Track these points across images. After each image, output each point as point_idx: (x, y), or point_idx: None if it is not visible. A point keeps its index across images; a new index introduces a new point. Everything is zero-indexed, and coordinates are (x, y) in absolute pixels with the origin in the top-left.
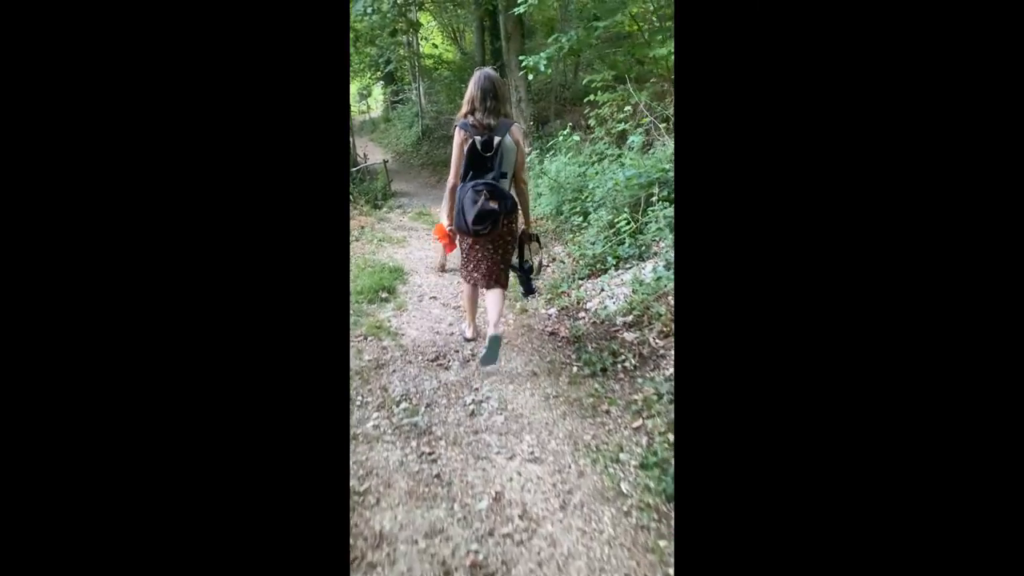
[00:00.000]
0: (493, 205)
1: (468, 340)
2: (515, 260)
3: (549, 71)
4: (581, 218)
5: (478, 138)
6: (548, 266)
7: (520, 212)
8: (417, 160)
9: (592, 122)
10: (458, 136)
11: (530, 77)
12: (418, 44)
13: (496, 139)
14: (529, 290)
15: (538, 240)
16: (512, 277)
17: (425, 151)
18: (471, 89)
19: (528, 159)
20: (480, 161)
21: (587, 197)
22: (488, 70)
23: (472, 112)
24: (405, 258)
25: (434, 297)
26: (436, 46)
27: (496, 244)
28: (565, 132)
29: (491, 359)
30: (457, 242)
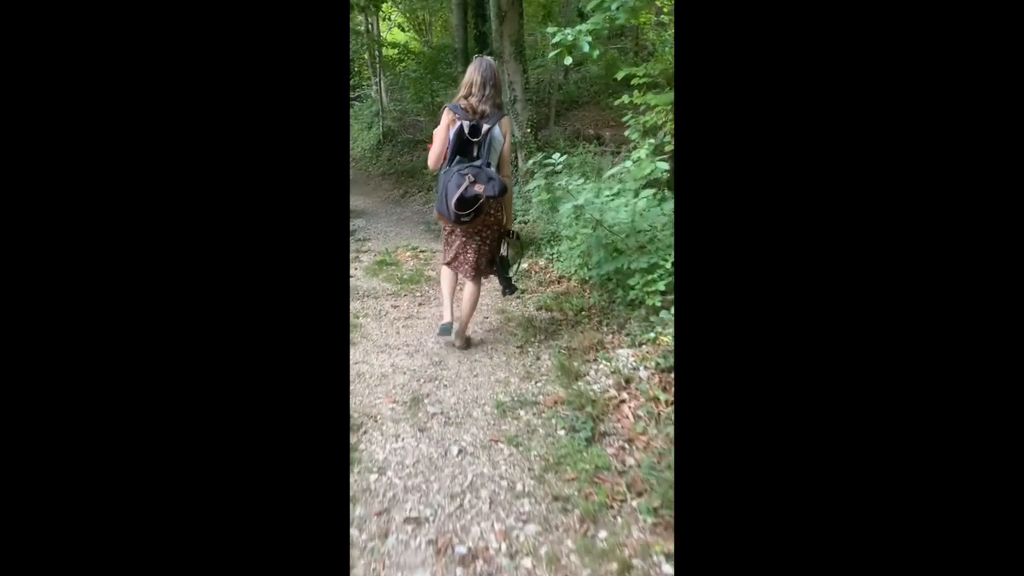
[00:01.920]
0: (477, 189)
1: (446, 326)
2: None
3: (595, 52)
4: (663, 303)
5: (466, 122)
6: (623, 400)
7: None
8: (377, 168)
9: (634, 133)
10: (446, 116)
11: (567, 60)
12: (378, 30)
13: (485, 126)
14: (509, 288)
15: (519, 237)
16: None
17: (387, 157)
18: (470, 74)
19: (552, 191)
20: (466, 146)
21: (670, 261)
22: (489, 59)
23: (467, 97)
24: (356, 376)
25: (415, 519)
26: (403, 29)
27: (482, 234)
28: (637, 154)
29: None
30: (441, 229)
